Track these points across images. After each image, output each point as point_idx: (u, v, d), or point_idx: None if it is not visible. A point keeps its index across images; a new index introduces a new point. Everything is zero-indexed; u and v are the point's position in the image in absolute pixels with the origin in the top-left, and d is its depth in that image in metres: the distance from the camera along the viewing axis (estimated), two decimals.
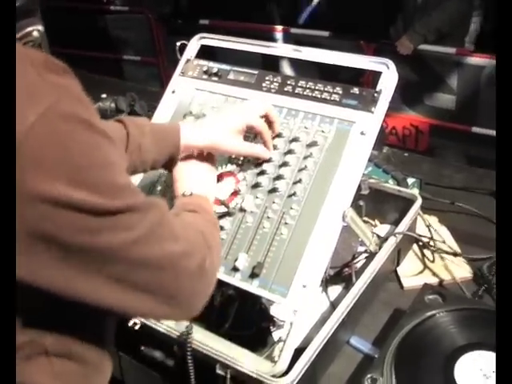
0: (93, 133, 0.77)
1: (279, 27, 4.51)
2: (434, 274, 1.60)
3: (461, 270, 1.60)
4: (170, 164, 1.32)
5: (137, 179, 1.51)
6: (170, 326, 1.30)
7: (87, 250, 0.78)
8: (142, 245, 0.84)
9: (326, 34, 4.32)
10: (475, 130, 3.83)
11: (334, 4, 4.78)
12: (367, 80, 3.69)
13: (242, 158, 1.42)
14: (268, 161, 1.38)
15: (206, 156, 1.35)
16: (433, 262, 1.63)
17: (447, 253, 1.64)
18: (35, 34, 0.88)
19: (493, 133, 3.49)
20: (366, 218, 1.66)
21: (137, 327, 1.33)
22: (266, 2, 5.01)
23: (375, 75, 1.42)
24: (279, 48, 1.59)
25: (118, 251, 0.81)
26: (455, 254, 1.63)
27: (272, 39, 4.42)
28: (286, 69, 4.29)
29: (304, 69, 3.81)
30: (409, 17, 4.05)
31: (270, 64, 2.96)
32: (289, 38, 4.47)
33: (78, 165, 0.74)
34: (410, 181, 1.94)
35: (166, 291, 0.91)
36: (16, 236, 0.71)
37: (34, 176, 0.70)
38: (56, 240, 0.74)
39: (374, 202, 1.69)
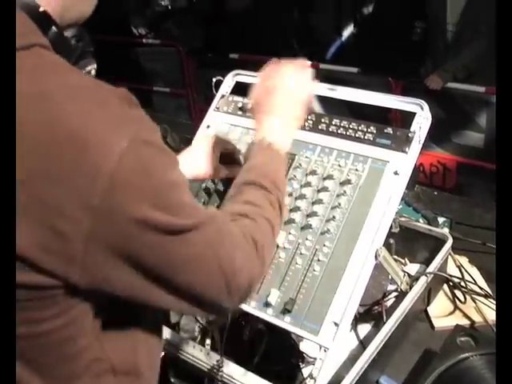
0: (164, 155, 0.86)
1: (308, 62, 4.55)
2: (465, 315, 1.59)
3: (492, 312, 1.58)
4: None
5: None
6: (200, 359, 1.31)
7: (157, 264, 0.85)
8: (199, 260, 0.91)
9: (354, 70, 4.35)
10: None
11: (363, 40, 4.83)
12: (395, 116, 3.70)
13: None
14: (302, 197, 1.40)
15: (294, 68, 1.33)
16: (464, 303, 1.62)
17: (478, 294, 1.63)
18: (93, 72, 0.95)
19: None
20: (395, 257, 1.66)
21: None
22: (295, 37, 5.07)
23: (404, 112, 1.44)
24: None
25: (179, 265, 0.88)
26: (486, 296, 1.62)
27: None
28: (315, 103, 4.32)
29: (331, 104, 3.84)
30: (438, 56, 4.08)
31: None
32: (317, 74, 4.50)
33: (158, 187, 0.83)
34: (441, 220, 1.94)
35: (213, 300, 0.96)
36: (101, 256, 0.80)
37: (123, 199, 0.78)
38: (134, 256, 0.82)
39: (404, 241, 1.69)
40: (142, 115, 0.84)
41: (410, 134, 1.38)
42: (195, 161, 1.41)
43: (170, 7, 5.47)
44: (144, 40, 5.49)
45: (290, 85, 1.27)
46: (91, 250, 0.78)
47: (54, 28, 0.88)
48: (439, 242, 1.67)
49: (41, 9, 0.86)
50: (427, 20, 4.26)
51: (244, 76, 1.69)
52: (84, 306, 0.86)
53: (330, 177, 1.40)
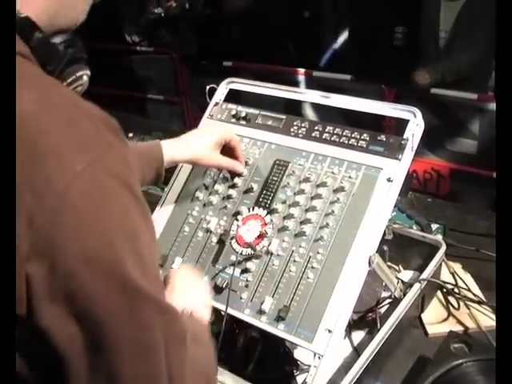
0: (132, 198, 0.77)
1: (301, 70, 4.57)
2: (459, 321, 1.59)
3: (486, 319, 1.58)
4: (156, 179, 1.44)
5: (167, 216, 1.55)
6: None
7: (98, 325, 0.73)
8: (151, 353, 0.77)
9: (347, 77, 4.36)
10: None
11: (356, 47, 4.85)
12: (389, 124, 3.72)
13: (268, 201, 1.44)
14: (295, 205, 1.40)
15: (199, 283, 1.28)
16: (458, 309, 1.62)
17: (472, 301, 1.63)
18: (85, 78, 0.94)
19: None
20: (389, 263, 1.66)
21: None
22: (288, 45, 5.09)
23: (398, 119, 1.45)
24: (308, 94, 1.61)
25: (125, 350, 0.74)
26: (480, 302, 1.63)
27: (294, 82, 4.48)
28: (309, 111, 4.33)
29: (326, 111, 3.85)
30: (431, 62, 4.10)
31: (293, 105, 3.00)
32: (311, 81, 4.53)
33: (113, 225, 0.74)
34: (434, 226, 1.95)
35: None
36: (40, 290, 0.70)
37: (67, 226, 0.70)
38: (73, 299, 0.72)
39: (398, 247, 1.69)
40: (119, 145, 0.78)
41: (403, 141, 1.39)
42: (197, 144, 1.45)
43: (163, 15, 5.47)
44: (138, 47, 5.49)
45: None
46: (30, 270, 0.69)
47: (37, 34, 0.84)
48: (433, 248, 1.67)
49: (22, 15, 0.82)
50: (409, 25, 4.30)
51: (238, 84, 1.70)
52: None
53: (323, 184, 1.41)
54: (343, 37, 5.19)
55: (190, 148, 1.45)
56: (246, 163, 1.52)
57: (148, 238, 0.80)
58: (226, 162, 1.50)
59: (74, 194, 0.70)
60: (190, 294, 1.16)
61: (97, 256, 0.72)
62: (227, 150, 1.51)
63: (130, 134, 2.53)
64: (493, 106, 3.89)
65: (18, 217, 0.69)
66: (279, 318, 1.28)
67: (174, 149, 1.44)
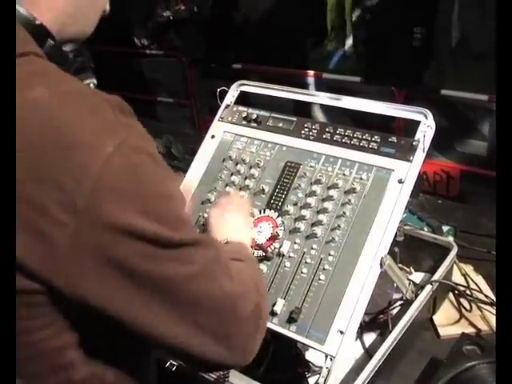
0: (159, 166, 0.85)
1: (311, 72, 4.57)
2: (471, 323, 1.59)
3: None
4: None
5: None
6: None
7: (152, 279, 0.82)
8: (201, 279, 0.88)
9: (357, 79, 4.36)
10: None
11: (366, 49, 4.84)
12: (398, 125, 3.71)
13: (279, 203, 1.44)
14: (307, 206, 1.40)
15: (242, 203, 1.40)
16: (469, 311, 1.62)
17: (484, 302, 1.63)
18: (92, 86, 0.97)
19: None
20: (400, 265, 1.66)
21: (173, 368, 1.34)
22: (297, 48, 5.09)
23: (407, 120, 1.45)
24: (318, 96, 1.61)
25: (179, 283, 0.85)
26: (492, 304, 1.62)
27: (304, 84, 4.47)
28: (318, 113, 4.33)
29: (335, 113, 3.85)
30: (443, 63, 4.09)
31: (302, 107, 3.00)
32: (321, 84, 4.52)
33: (149, 195, 0.82)
34: (445, 228, 1.94)
35: (224, 331, 0.92)
36: (86, 262, 0.78)
37: (109, 203, 0.77)
38: (124, 266, 0.80)
39: (409, 249, 1.69)
40: (135, 123, 0.85)
41: (414, 143, 1.39)
42: None
43: (171, 18, 5.48)
44: (147, 51, 5.51)
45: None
46: (76, 254, 0.77)
47: (50, 40, 0.90)
48: (444, 250, 1.67)
49: (37, 21, 0.88)
50: (427, 26, 4.27)
51: (248, 86, 1.70)
52: (73, 319, 0.84)
53: (334, 186, 1.41)
54: (352, 39, 5.19)
55: None
56: (258, 165, 1.53)
57: (176, 193, 0.90)
58: None
59: (108, 175, 0.77)
60: (227, 229, 1.28)
61: (136, 225, 0.79)
62: None
63: None
64: None
65: (57, 203, 0.75)
66: (291, 320, 1.28)
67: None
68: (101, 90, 0.92)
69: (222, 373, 1.26)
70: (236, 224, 1.31)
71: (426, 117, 1.41)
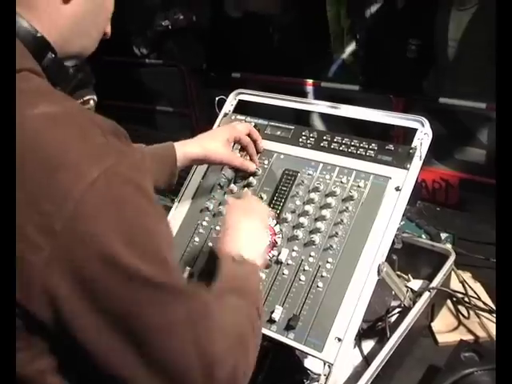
0: (146, 200, 0.81)
1: (310, 81, 4.58)
2: (469, 330, 1.59)
3: None
4: (170, 178, 1.45)
5: (177, 226, 1.56)
6: None
7: (126, 316, 0.78)
8: (178, 332, 0.82)
9: (355, 88, 4.37)
10: None
11: (364, 57, 4.86)
12: (397, 133, 3.72)
13: (278, 210, 1.45)
14: (304, 214, 1.41)
15: (262, 210, 1.37)
16: (468, 318, 1.62)
17: (482, 309, 1.63)
18: (92, 102, 0.97)
19: None
20: (398, 273, 1.67)
21: None
22: (296, 57, 5.10)
23: (406, 128, 1.46)
24: (317, 104, 1.63)
25: (153, 328, 0.79)
26: (490, 311, 1.63)
27: (303, 92, 4.48)
28: (317, 121, 4.34)
29: (334, 121, 3.85)
30: (442, 71, 4.10)
31: (301, 116, 3.02)
32: (319, 92, 4.53)
33: (130, 227, 0.78)
34: (443, 235, 1.95)
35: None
36: (60, 288, 0.74)
37: (87, 231, 0.74)
38: (96, 298, 0.76)
39: (407, 257, 1.70)
40: (128, 151, 0.82)
41: (411, 151, 1.40)
42: (210, 140, 1.48)
43: (170, 27, 5.51)
44: (146, 60, 5.52)
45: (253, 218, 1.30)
46: (51, 280, 0.74)
47: (50, 54, 0.89)
48: (442, 257, 1.68)
49: (38, 34, 0.87)
50: (424, 35, 4.30)
51: (247, 95, 1.72)
52: (50, 345, 0.81)
53: (332, 193, 1.42)
54: (350, 48, 5.21)
55: (202, 143, 1.48)
56: (255, 173, 1.53)
57: (164, 233, 0.85)
58: (237, 159, 1.53)
59: (90, 201, 0.74)
60: (244, 235, 1.23)
61: (115, 257, 0.75)
62: (242, 148, 1.56)
63: None
64: None
65: (38, 223, 0.72)
66: (289, 327, 1.29)
67: (185, 146, 1.47)
68: (102, 100, 0.92)
69: None
70: (253, 235, 1.26)
71: (422, 124, 1.42)
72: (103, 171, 0.75)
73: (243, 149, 1.56)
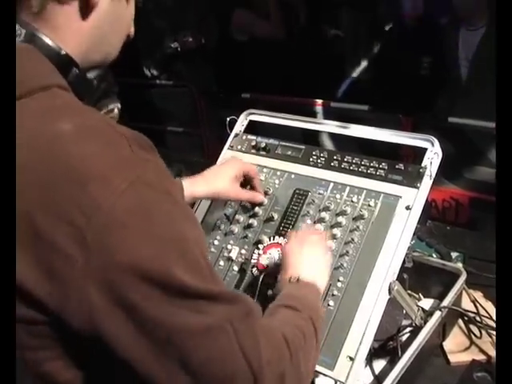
0: (176, 205, 0.82)
1: (319, 101, 4.60)
2: (482, 350, 1.58)
3: None
4: None
5: None
6: None
7: (162, 326, 0.78)
8: (219, 335, 0.81)
9: (365, 107, 4.38)
10: None
11: (374, 78, 4.88)
12: (406, 152, 3.72)
13: (289, 229, 1.46)
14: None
15: (320, 238, 1.35)
16: (480, 337, 1.61)
17: (494, 329, 1.62)
18: (116, 111, 0.98)
19: None
20: (409, 292, 1.66)
21: None
22: (306, 77, 5.13)
23: (416, 147, 1.46)
24: (326, 124, 1.64)
25: (193, 335, 0.79)
26: None
27: (312, 113, 4.50)
28: (327, 141, 4.36)
29: (343, 140, 3.86)
30: (451, 90, 4.12)
31: (311, 135, 3.03)
32: (329, 112, 4.55)
33: (162, 236, 0.78)
34: (454, 255, 1.95)
35: None
36: (94, 297, 0.75)
37: (119, 241, 0.75)
38: (129, 307, 0.76)
39: (418, 276, 1.69)
40: (154, 159, 0.83)
41: (421, 170, 1.40)
42: (217, 179, 1.47)
43: (179, 49, 5.57)
44: (157, 81, 5.58)
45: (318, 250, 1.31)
46: (84, 289, 0.74)
47: (75, 70, 0.91)
48: (453, 276, 1.68)
49: (62, 52, 0.89)
50: (434, 55, 4.32)
51: (257, 115, 1.73)
52: (81, 354, 0.81)
53: (343, 212, 1.42)
54: (360, 68, 5.24)
55: (210, 183, 1.47)
56: (266, 193, 1.54)
57: (196, 236, 0.84)
58: (245, 193, 1.53)
59: (120, 211, 0.75)
60: (299, 259, 1.25)
61: (148, 266, 0.75)
62: (246, 181, 1.54)
63: None
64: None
65: (68, 237, 0.73)
66: None
67: (193, 186, 1.45)
68: (124, 120, 0.94)
69: None
70: (309, 257, 1.26)
71: (432, 144, 1.43)
72: (131, 182, 0.76)
73: (246, 181, 1.55)
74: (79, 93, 0.90)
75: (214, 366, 0.81)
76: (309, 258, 1.26)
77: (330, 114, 4.50)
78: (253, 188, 1.55)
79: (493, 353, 1.56)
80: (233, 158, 1.59)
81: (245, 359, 0.83)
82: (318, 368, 1.26)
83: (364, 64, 5.04)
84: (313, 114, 4.48)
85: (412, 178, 1.41)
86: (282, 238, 1.45)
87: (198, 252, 0.83)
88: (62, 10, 0.89)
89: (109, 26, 0.95)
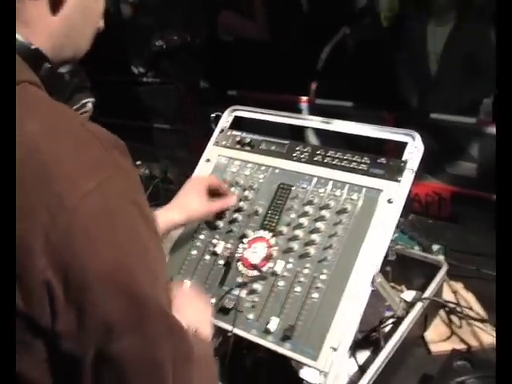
0: (142, 217, 0.80)
1: (304, 98, 4.61)
2: (462, 339, 1.59)
3: (488, 337, 1.59)
4: None
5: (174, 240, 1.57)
6: None
7: (107, 332, 0.76)
8: (156, 370, 0.79)
9: (349, 104, 4.40)
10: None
11: (357, 75, 4.89)
12: (390, 147, 3.73)
13: (273, 223, 1.46)
14: (299, 227, 1.42)
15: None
16: (460, 327, 1.63)
17: (474, 319, 1.64)
18: (89, 105, 0.97)
19: None
20: (392, 284, 1.67)
21: None
22: (291, 74, 5.14)
23: (398, 143, 1.47)
24: (311, 120, 1.64)
25: (131, 361, 0.77)
26: (482, 321, 1.64)
27: (297, 109, 4.51)
28: (311, 136, 4.36)
29: (328, 136, 3.86)
30: (432, 87, 4.15)
31: (297, 131, 3.04)
32: (314, 108, 4.55)
33: (123, 245, 0.77)
34: (435, 247, 1.96)
35: None
36: (57, 297, 0.73)
37: (81, 245, 0.73)
38: (84, 311, 0.74)
39: (400, 268, 1.70)
40: (127, 166, 0.81)
41: (402, 164, 1.42)
42: (187, 205, 1.47)
43: (164, 47, 5.55)
44: (144, 79, 5.56)
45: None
46: (49, 287, 0.73)
47: (46, 64, 0.89)
48: (434, 268, 1.68)
49: (32, 46, 0.87)
50: (415, 51, 4.36)
51: (242, 111, 1.73)
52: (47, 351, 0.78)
53: (326, 206, 1.43)
54: (344, 65, 5.25)
55: (182, 208, 1.47)
56: (251, 187, 1.55)
57: (157, 253, 0.83)
58: (216, 205, 1.54)
59: (83, 213, 0.73)
60: (191, 311, 1.16)
61: (107, 272, 0.75)
62: (214, 191, 1.56)
63: (138, 162, 2.56)
64: (492, 129, 3.91)
65: (35, 233, 0.72)
66: (285, 338, 1.30)
67: (165, 216, 1.43)
68: (101, 118, 0.93)
69: None
70: (197, 309, 1.22)
71: (413, 138, 1.44)
72: (99, 183, 0.75)
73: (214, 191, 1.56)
74: (51, 88, 0.88)
75: None
76: (194, 308, 1.20)
77: (314, 111, 4.51)
78: (222, 194, 1.56)
79: (473, 342, 1.58)
80: (190, 179, 1.58)
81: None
82: (302, 359, 1.27)
83: (346, 61, 5.05)
84: (298, 111, 4.48)
85: (393, 172, 1.42)
86: (266, 231, 1.45)
87: (158, 269, 0.82)
88: (32, 4, 0.87)
89: (78, 19, 0.93)
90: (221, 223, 1.53)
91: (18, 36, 0.86)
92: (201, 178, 1.58)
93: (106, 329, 0.75)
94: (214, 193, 1.55)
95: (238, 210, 1.54)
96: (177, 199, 1.51)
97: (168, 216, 1.44)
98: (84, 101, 0.96)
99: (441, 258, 1.81)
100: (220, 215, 1.56)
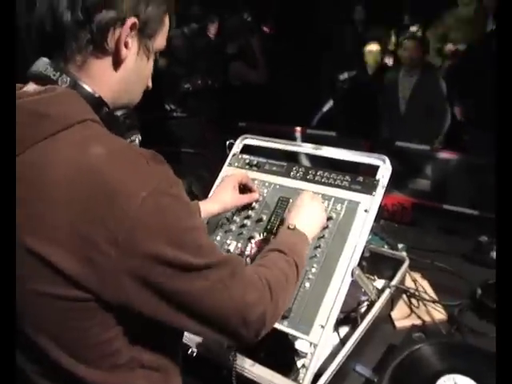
0: (181, 205, 0.84)
1: (298, 128, 4.65)
2: (419, 317, 1.58)
3: (439, 314, 1.59)
4: None
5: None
6: (219, 354, 1.30)
7: (175, 293, 0.84)
8: (214, 292, 0.87)
9: (333, 134, 4.42)
10: (446, 206, 3.92)
11: (341, 110, 4.92)
12: (365, 168, 3.73)
13: (274, 228, 1.45)
14: None
15: (319, 200, 1.39)
16: (418, 307, 1.62)
17: (428, 301, 1.63)
18: (137, 141, 0.98)
19: (459, 209, 3.71)
20: (367, 275, 1.66)
21: (194, 354, 1.33)
22: (287, 110, 5.16)
23: (371, 165, 1.47)
24: (305, 147, 1.64)
25: (195, 295, 0.86)
26: (434, 302, 1.63)
27: (293, 137, 4.54)
28: (303, 159, 4.38)
29: (319, 159, 3.88)
30: (397, 121, 4.20)
31: (292, 155, 3.05)
32: (305, 136, 4.59)
33: (174, 230, 0.82)
34: (400, 246, 1.95)
35: (232, 329, 0.92)
36: (126, 281, 0.79)
37: (143, 238, 0.78)
38: (153, 284, 0.81)
39: (373, 262, 1.69)
40: (165, 171, 0.84)
41: (375, 181, 1.41)
42: (222, 198, 1.46)
43: (190, 89, 5.60)
44: (174, 114, 5.59)
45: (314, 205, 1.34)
46: (119, 276, 0.78)
47: (105, 109, 0.91)
48: (399, 262, 1.68)
49: (96, 95, 0.89)
50: (382, 95, 4.40)
51: (251, 139, 1.73)
52: (118, 318, 0.85)
53: None
54: (329, 103, 5.28)
55: (218, 200, 1.46)
56: (257, 200, 1.54)
57: (196, 224, 0.87)
58: (245, 198, 1.52)
59: (142, 215, 0.77)
60: (305, 214, 1.29)
61: (162, 253, 0.80)
62: (244, 186, 1.54)
63: None
64: (442, 154, 3.97)
65: (104, 238, 0.77)
66: (284, 317, 1.29)
67: (206, 205, 1.44)
68: (143, 145, 0.93)
69: (231, 357, 1.25)
70: (311, 214, 1.31)
71: (384, 162, 1.43)
72: (149, 192, 0.78)
73: (244, 187, 1.54)
74: (109, 126, 0.90)
75: (213, 313, 0.88)
76: (307, 213, 1.29)
77: (306, 139, 4.53)
78: (250, 190, 1.54)
79: (427, 318, 1.57)
80: (227, 176, 1.57)
81: (235, 305, 0.90)
82: (297, 334, 1.26)
83: (331, 101, 5.08)
84: (293, 138, 4.51)
85: (369, 188, 1.41)
86: (270, 234, 1.45)
87: (200, 235, 0.87)
88: (98, 63, 0.90)
89: (133, 78, 0.95)
90: (233, 227, 1.52)
91: (86, 87, 0.89)
92: (233, 175, 1.54)
93: (171, 290, 0.84)
94: (243, 188, 1.54)
95: (247, 217, 1.53)
96: (214, 193, 1.51)
97: (206, 207, 1.43)
98: (133, 137, 0.98)
99: (404, 254, 1.79)
100: (246, 207, 1.54)
